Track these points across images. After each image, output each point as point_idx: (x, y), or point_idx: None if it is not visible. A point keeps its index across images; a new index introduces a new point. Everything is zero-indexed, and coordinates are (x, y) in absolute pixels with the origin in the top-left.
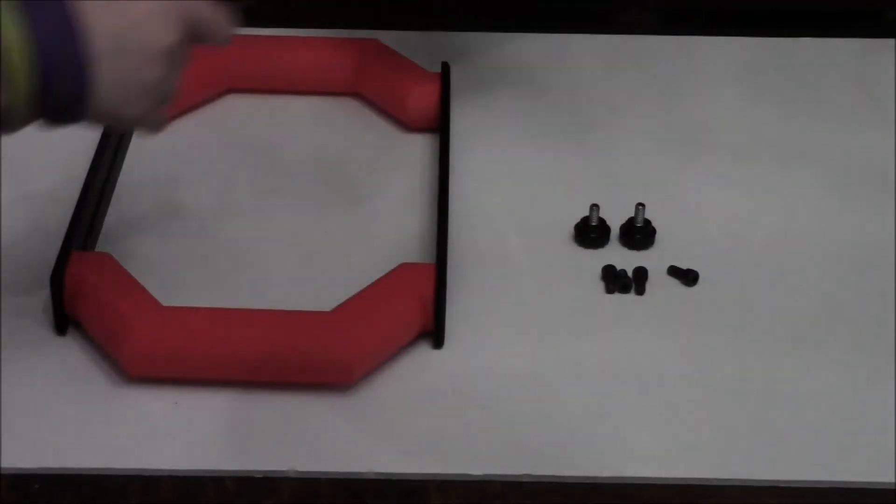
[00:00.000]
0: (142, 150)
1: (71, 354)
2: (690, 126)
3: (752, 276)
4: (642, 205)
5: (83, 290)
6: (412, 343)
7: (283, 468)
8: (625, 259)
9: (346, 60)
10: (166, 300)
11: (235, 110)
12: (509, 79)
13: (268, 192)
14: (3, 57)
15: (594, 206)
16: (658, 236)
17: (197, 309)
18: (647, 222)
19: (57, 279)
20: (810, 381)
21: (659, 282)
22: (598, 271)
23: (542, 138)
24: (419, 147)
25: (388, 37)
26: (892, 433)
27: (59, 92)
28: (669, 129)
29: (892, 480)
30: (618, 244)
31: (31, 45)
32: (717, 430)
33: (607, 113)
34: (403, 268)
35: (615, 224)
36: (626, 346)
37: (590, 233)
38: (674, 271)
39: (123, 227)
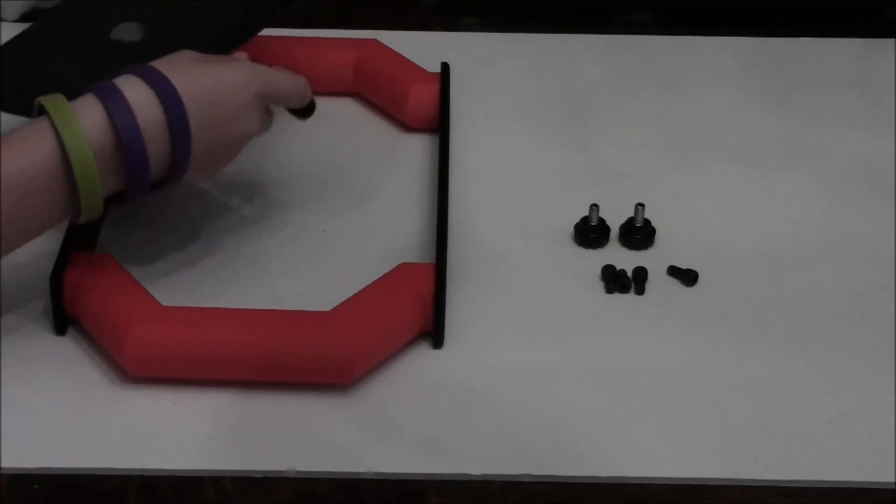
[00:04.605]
0: None
1: (71, 354)
2: (690, 126)
3: (752, 276)
4: (642, 205)
5: (83, 290)
6: (412, 343)
7: (283, 468)
8: (624, 259)
9: (346, 60)
10: (166, 300)
11: None
12: (509, 79)
13: (267, 192)
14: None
15: (594, 206)
16: (658, 236)
17: (197, 309)
18: (647, 222)
19: (57, 279)
20: (810, 381)
21: (659, 282)
22: (598, 271)
23: (542, 138)
24: (419, 147)
25: (388, 37)
26: (892, 433)
27: (163, 171)
28: (669, 128)
29: (892, 480)
30: (617, 244)
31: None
32: (717, 430)
33: (607, 113)
34: (403, 268)
35: (615, 224)
36: (625, 346)
37: (590, 233)
38: (673, 271)
39: (123, 227)
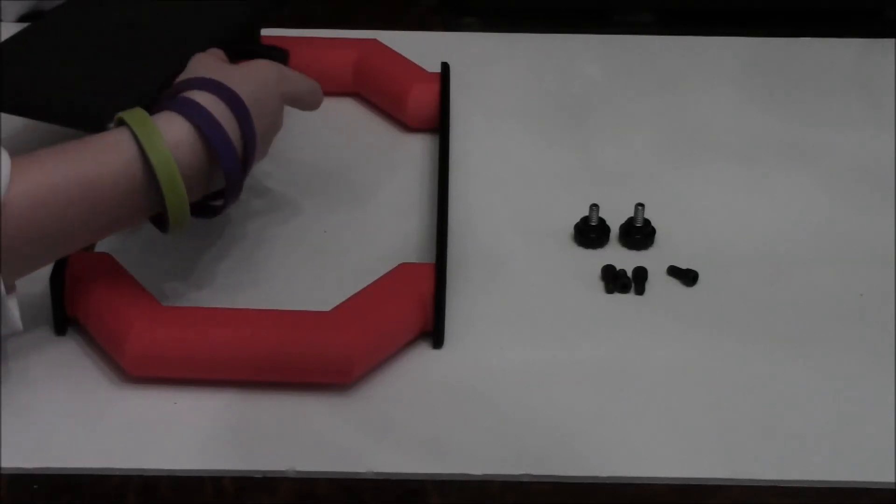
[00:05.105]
0: None
1: (71, 354)
2: (690, 126)
3: (752, 276)
4: (642, 205)
5: (83, 290)
6: (412, 343)
7: (283, 468)
8: (624, 259)
9: (346, 60)
10: (166, 300)
11: None
12: (509, 79)
13: (267, 192)
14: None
15: (594, 206)
16: (658, 236)
17: (197, 309)
18: (647, 222)
19: (57, 279)
20: (810, 381)
21: (659, 282)
22: (598, 271)
23: (542, 138)
24: (419, 147)
25: (388, 37)
26: (892, 433)
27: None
28: (669, 128)
29: (892, 480)
30: (617, 244)
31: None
32: (717, 430)
33: (607, 113)
34: (403, 268)
35: (615, 224)
36: (625, 346)
37: (590, 233)
38: (673, 271)
39: None
